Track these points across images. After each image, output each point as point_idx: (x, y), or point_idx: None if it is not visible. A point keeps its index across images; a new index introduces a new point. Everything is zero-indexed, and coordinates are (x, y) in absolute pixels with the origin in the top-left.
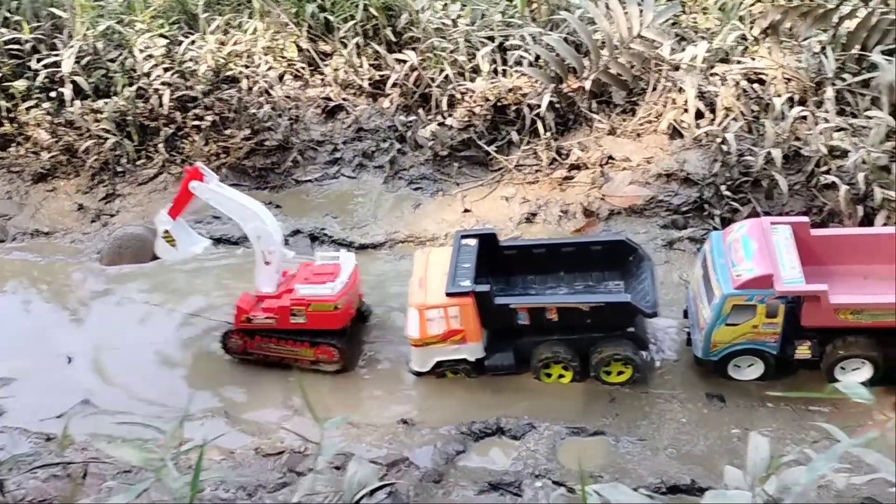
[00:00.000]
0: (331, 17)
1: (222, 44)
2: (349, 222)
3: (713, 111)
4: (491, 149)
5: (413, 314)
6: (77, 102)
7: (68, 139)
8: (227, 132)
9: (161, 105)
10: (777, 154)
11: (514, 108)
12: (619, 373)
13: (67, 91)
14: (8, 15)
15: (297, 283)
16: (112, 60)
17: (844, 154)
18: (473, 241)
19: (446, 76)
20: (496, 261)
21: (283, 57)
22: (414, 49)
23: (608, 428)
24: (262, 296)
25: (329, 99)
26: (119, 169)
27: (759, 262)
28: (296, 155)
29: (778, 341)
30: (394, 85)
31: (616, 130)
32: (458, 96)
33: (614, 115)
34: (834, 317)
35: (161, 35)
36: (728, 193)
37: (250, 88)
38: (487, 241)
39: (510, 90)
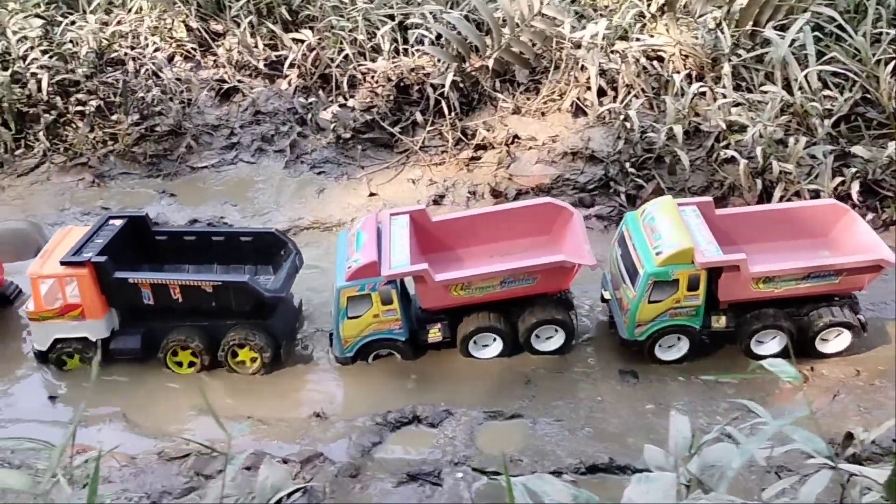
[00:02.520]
0: None
1: (105, 24)
2: (250, 210)
3: (615, 89)
4: (395, 130)
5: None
6: None
7: None
8: (114, 118)
9: (39, 90)
10: (678, 130)
11: (416, 88)
12: (253, 359)
13: None
14: None
15: None
16: None
17: (742, 129)
18: (119, 222)
19: (346, 56)
20: (149, 247)
21: (171, 37)
22: (311, 28)
23: (525, 410)
24: None
25: (223, 81)
26: None
27: (365, 251)
28: (189, 140)
29: (403, 327)
30: (291, 65)
31: (521, 109)
32: (359, 77)
33: (518, 94)
34: (448, 295)
35: (37, 15)
36: (632, 170)
37: (137, 71)
38: (139, 225)
39: (412, 70)
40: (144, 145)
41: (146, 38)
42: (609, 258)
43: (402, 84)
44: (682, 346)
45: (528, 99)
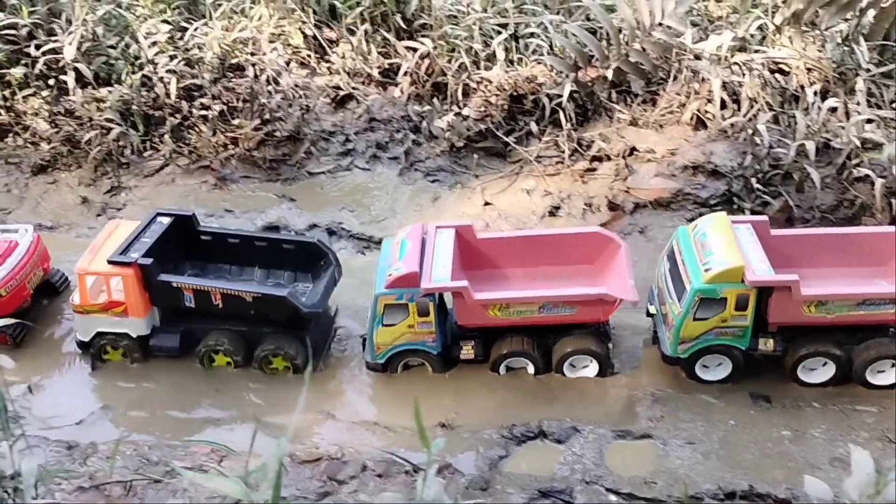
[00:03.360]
0: (337, 3)
1: (227, 30)
2: (367, 216)
3: (736, 102)
4: (510, 139)
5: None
6: (78, 91)
7: (69, 129)
8: (236, 122)
9: (168, 94)
10: (811, 146)
11: (531, 97)
12: (286, 367)
13: (70, 79)
14: None
15: None
16: (112, 47)
17: (877, 146)
18: (167, 220)
19: (461, 65)
20: (195, 245)
21: (288, 44)
22: (425, 37)
23: (654, 431)
24: None
25: (339, 88)
26: (123, 160)
27: (407, 261)
28: (308, 146)
29: (437, 341)
30: (405, 73)
31: (637, 121)
32: (473, 86)
33: (634, 106)
34: (485, 315)
35: (164, 21)
36: (759, 186)
37: (257, 76)
38: (186, 224)
39: (527, 79)
40: (264, 150)
41: (266, 45)
42: (657, 272)
43: (515, 94)
44: (725, 368)
45: (645, 111)
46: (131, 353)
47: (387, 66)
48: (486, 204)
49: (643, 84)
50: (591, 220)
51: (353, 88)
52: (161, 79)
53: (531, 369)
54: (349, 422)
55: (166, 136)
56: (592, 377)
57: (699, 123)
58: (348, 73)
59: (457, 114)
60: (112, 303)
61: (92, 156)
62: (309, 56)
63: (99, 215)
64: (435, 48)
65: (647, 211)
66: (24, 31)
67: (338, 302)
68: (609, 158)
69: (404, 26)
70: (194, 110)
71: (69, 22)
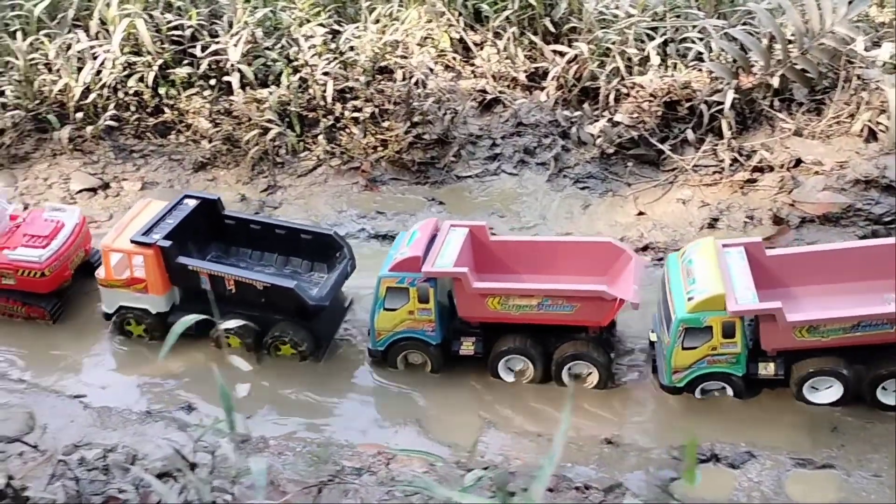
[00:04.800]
0: (484, 6)
1: (380, 33)
2: (517, 223)
3: None
4: (665, 147)
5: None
6: (240, 91)
7: (228, 128)
8: (385, 125)
9: (324, 96)
10: None
11: (685, 104)
12: (293, 353)
13: (234, 80)
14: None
15: (8, 246)
16: (269, 48)
17: None
18: (193, 202)
19: (613, 69)
20: (221, 229)
21: (434, 47)
22: (573, 40)
23: (836, 461)
24: None
25: (485, 91)
26: (279, 160)
27: (414, 247)
28: (457, 149)
29: (436, 331)
30: (553, 78)
31: (802, 131)
32: (625, 91)
33: (798, 115)
34: (485, 307)
35: (319, 24)
36: None
37: (405, 79)
38: (212, 208)
39: (683, 85)
40: (413, 152)
41: (415, 49)
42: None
43: (669, 100)
44: (728, 391)
45: (810, 120)
46: (151, 330)
47: (532, 70)
48: (640, 213)
49: (806, 92)
50: (753, 233)
51: (500, 92)
52: (317, 80)
53: (531, 373)
54: (511, 431)
55: (320, 137)
56: (589, 387)
57: (870, 135)
58: (493, 77)
59: (608, 120)
60: (134, 279)
61: (250, 155)
62: (454, 59)
63: (257, 213)
64: (589, 51)
65: (815, 226)
66: (188, 33)
67: None
68: (772, 169)
69: (552, 30)
70: (346, 112)
71: (230, 24)
